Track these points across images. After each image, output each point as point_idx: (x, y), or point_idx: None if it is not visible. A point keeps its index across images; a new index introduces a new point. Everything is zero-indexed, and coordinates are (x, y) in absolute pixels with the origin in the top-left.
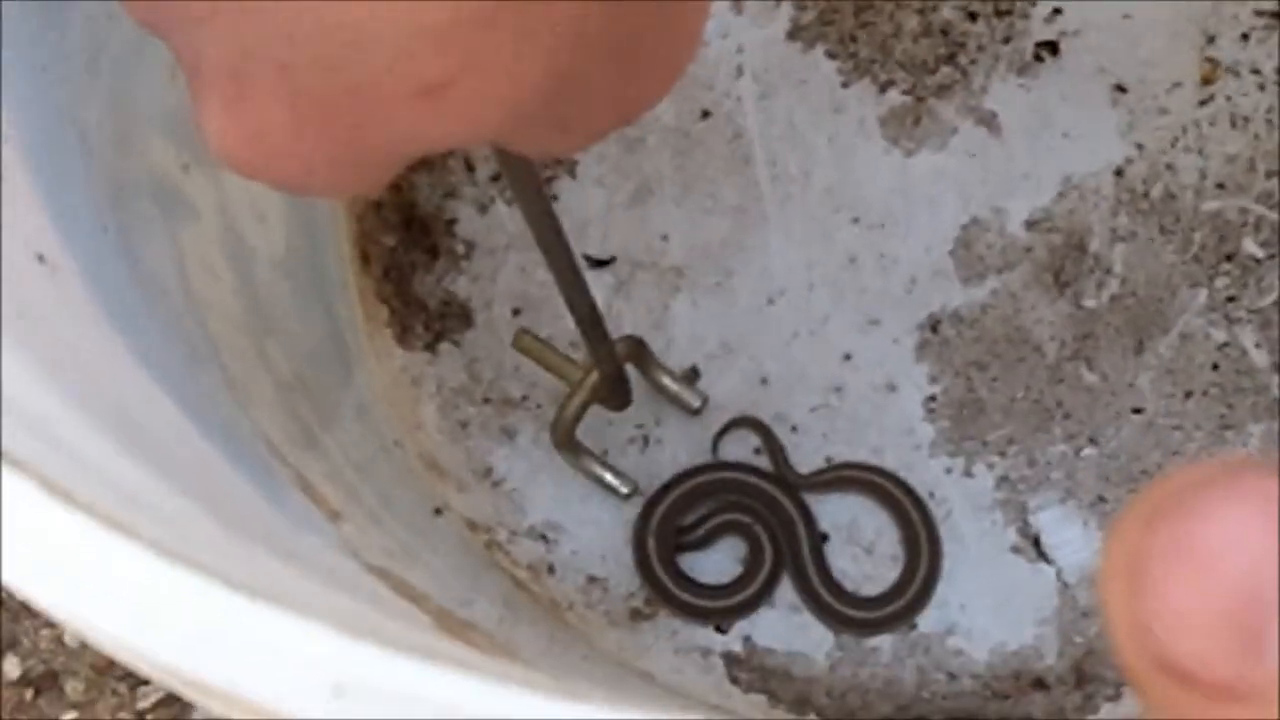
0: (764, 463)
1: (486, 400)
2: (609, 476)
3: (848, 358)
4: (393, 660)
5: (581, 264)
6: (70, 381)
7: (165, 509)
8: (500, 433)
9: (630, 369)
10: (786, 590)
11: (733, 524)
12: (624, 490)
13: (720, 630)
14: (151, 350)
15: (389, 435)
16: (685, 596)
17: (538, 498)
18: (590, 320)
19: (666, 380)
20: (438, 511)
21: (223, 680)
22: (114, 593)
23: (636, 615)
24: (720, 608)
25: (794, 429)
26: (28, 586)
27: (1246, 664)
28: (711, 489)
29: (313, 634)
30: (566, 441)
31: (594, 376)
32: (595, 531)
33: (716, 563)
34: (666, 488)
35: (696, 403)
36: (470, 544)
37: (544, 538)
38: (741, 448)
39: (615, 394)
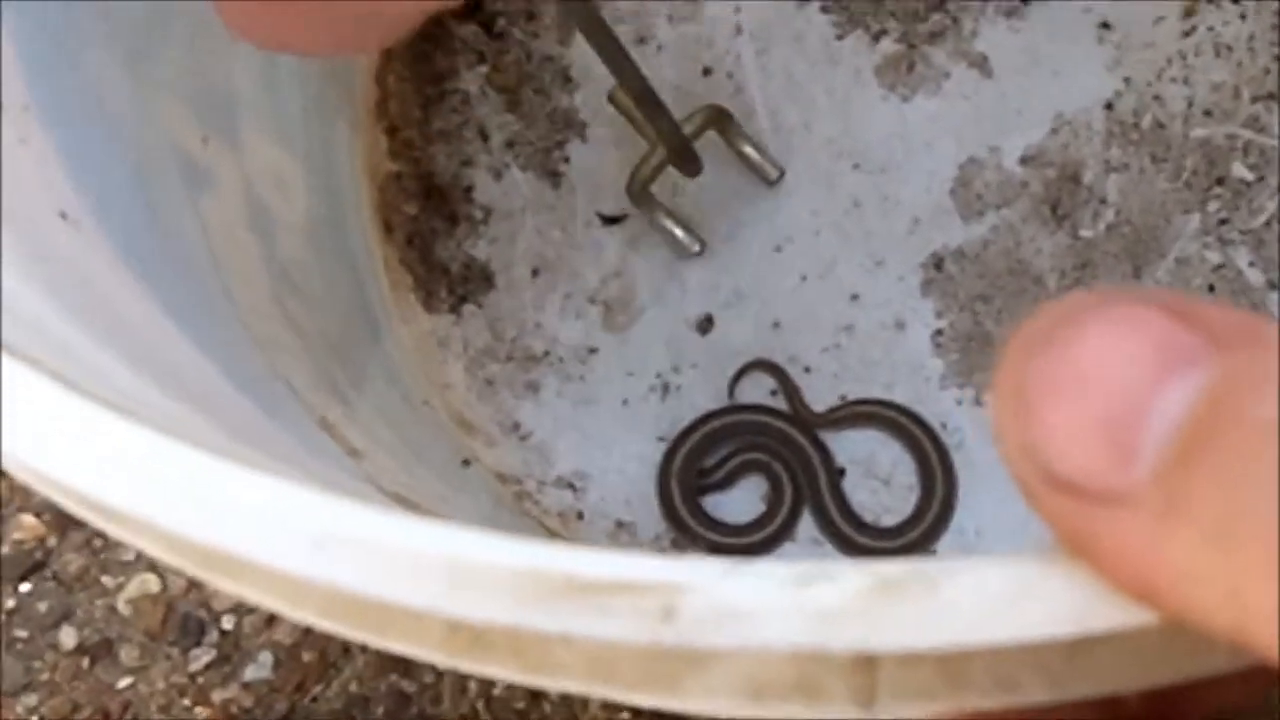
0: (780, 404)
1: (510, 358)
2: (679, 232)
3: (855, 298)
4: (378, 514)
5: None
6: (80, 308)
7: (169, 413)
8: (525, 388)
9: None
10: (808, 525)
11: (753, 463)
12: (694, 248)
13: None
14: (174, 300)
15: (418, 395)
16: (711, 536)
17: (564, 449)
18: (644, 97)
19: (749, 149)
20: (466, 463)
21: (220, 540)
22: (112, 461)
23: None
24: (745, 544)
25: (807, 370)
26: (35, 460)
27: (1122, 471)
28: (731, 431)
29: (298, 494)
30: (641, 195)
31: (659, 153)
32: (620, 479)
33: (739, 502)
34: (687, 432)
35: (774, 174)
36: (500, 495)
37: (571, 486)
38: (758, 390)
39: (685, 161)
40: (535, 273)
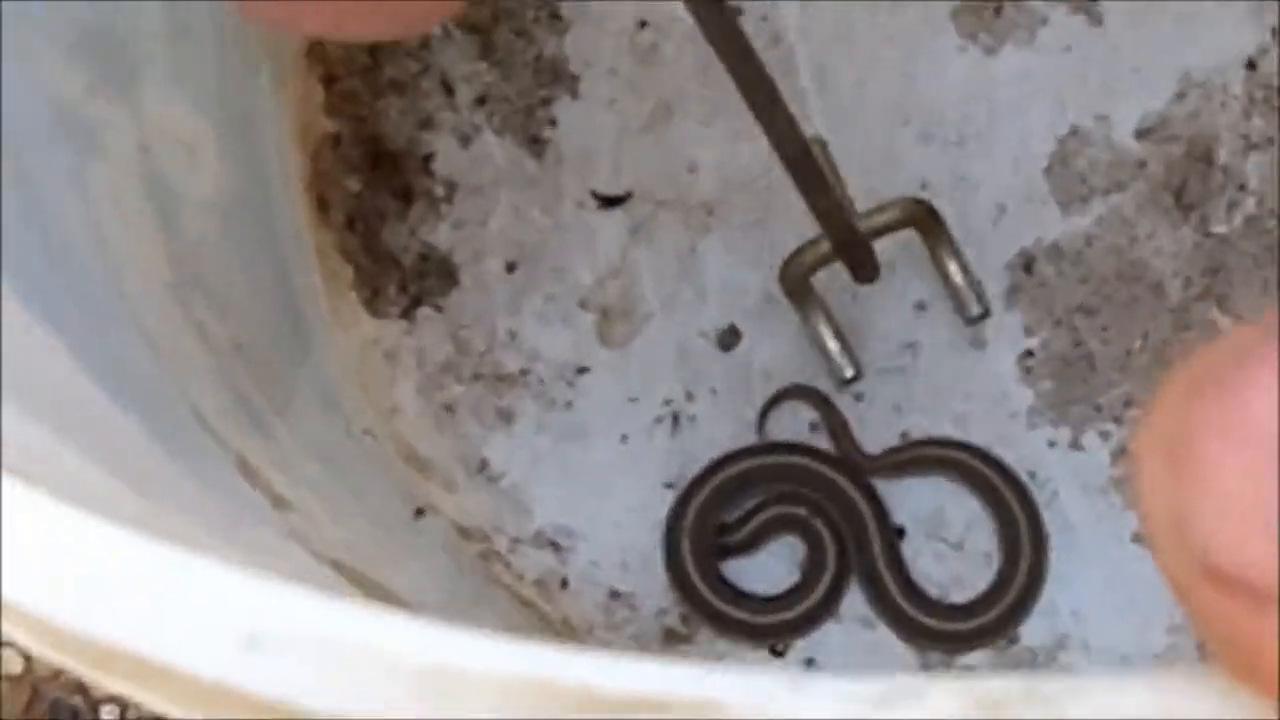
0: (823, 442)
1: (477, 377)
2: (835, 347)
3: (921, 308)
4: (315, 602)
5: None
6: None
7: (40, 451)
8: (496, 417)
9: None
10: (856, 600)
11: (786, 519)
12: (846, 373)
13: (776, 652)
14: (49, 299)
15: (359, 424)
16: (730, 611)
17: (544, 497)
18: (801, 164)
19: (954, 268)
20: (419, 513)
21: (118, 636)
22: None
23: (672, 637)
24: (774, 624)
25: (859, 398)
26: None
27: None
28: (759, 477)
29: (223, 577)
30: (797, 286)
31: (821, 246)
32: (617, 536)
33: (768, 568)
34: (703, 477)
35: (976, 310)
36: (462, 554)
37: (554, 545)
38: (794, 425)
39: (856, 261)
40: (511, 267)
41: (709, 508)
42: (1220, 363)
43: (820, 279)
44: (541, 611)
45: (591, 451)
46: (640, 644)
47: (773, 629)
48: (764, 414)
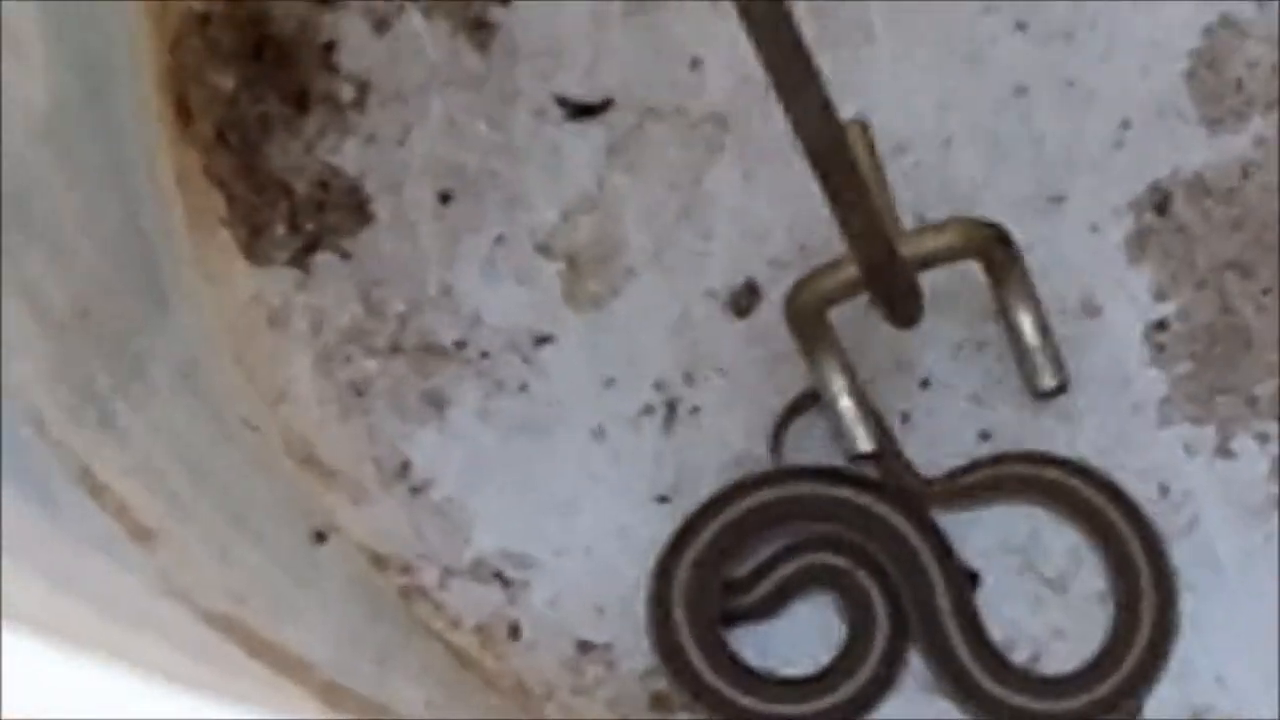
0: (865, 465)
1: (396, 349)
2: (849, 409)
3: (971, 347)
4: None
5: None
6: None
7: None
8: (422, 404)
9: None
10: (917, 670)
11: (818, 571)
12: (861, 446)
13: None
14: None
15: (233, 411)
16: (743, 700)
17: (488, 512)
18: (834, 165)
19: (1026, 322)
20: (319, 538)
21: None
22: None
23: (661, 704)
24: (806, 716)
25: (923, 384)
26: None
27: None
28: (778, 514)
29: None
30: (808, 320)
31: (852, 270)
32: (588, 566)
33: (795, 638)
34: (702, 516)
35: (1051, 384)
36: (377, 592)
37: (501, 579)
38: (824, 440)
39: (892, 296)
40: (445, 198)
41: (711, 558)
42: None
43: (841, 313)
44: (484, 670)
45: (554, 452)
46: (619, 714)
47: None
48: (781, 426)
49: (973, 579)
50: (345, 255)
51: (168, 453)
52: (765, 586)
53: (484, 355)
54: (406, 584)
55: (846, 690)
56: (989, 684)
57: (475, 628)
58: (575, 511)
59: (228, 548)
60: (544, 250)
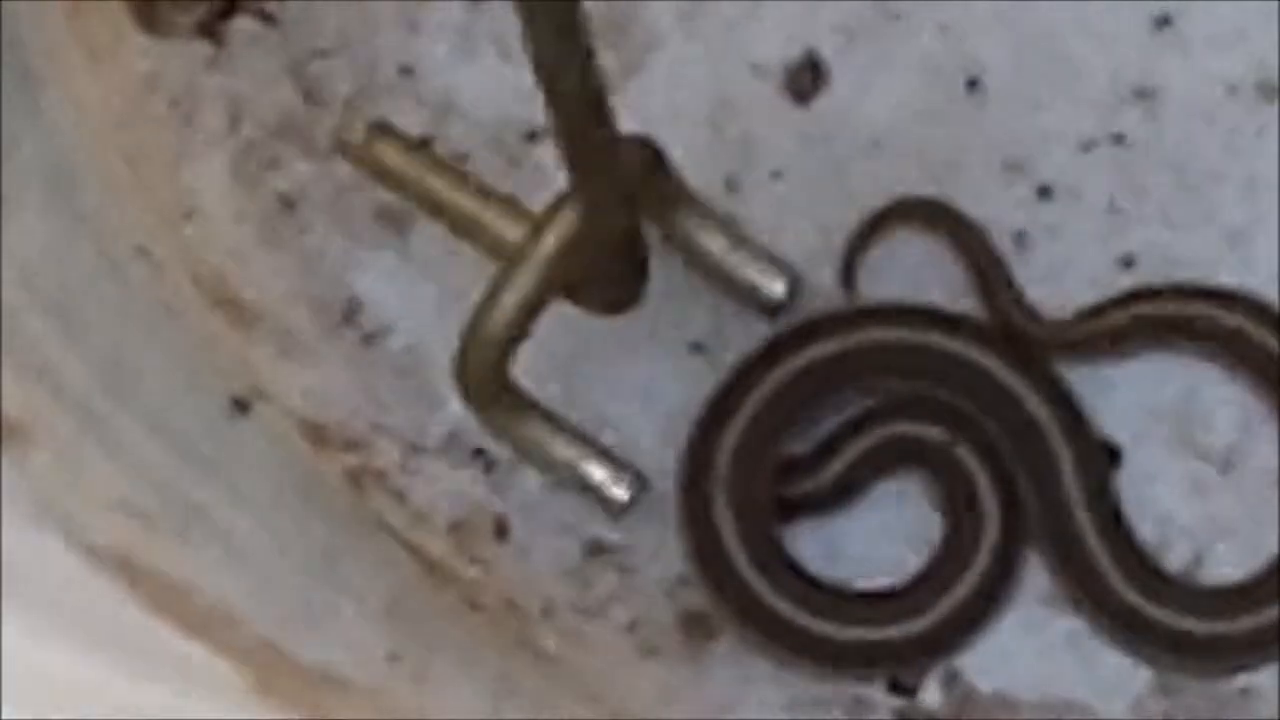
0: (964, 304)
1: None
2: (591, 469)
3: (1164, 23)
4: None
5: None
6: None
7: None
8: (376, 222)
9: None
10: (1037, 577)
11: (905, 446)
12: (620, 494)
13: (901, 688)
14: None
15: (124, 235)
16: (805, 621)
17: None
18: (582, 95)
19: (711, 240)
20: (240, 406)
21: None
22: None
23: (695, 628)
24: (889, 642)
25: (1044, 192)
26: None
27: None
28: (851, 369)
29: None
30: (490, 388)
31: (564, 227)
32: (598, 436)
33: (873, 536)
34: (750, 372)
35: (779, 289)
36: (315, 477)
37: (482, 457)
38: (908, 272)
39: (614, 272)
40: None
41: (763, 429)
42: None
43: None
44: (461, 583)
45: None
46: (639, 640)
47: (886, 650)
48: (855, 250)
49: (1112, 455)
50: (271, 20)
51: (30, 290)
52: (835, 467)
53: (457, 157)
54: (356, 467)
55: (944, 607)
56: (1133, 596)
57: (449, 526)
58: (581, 364)
59: (122, 438)
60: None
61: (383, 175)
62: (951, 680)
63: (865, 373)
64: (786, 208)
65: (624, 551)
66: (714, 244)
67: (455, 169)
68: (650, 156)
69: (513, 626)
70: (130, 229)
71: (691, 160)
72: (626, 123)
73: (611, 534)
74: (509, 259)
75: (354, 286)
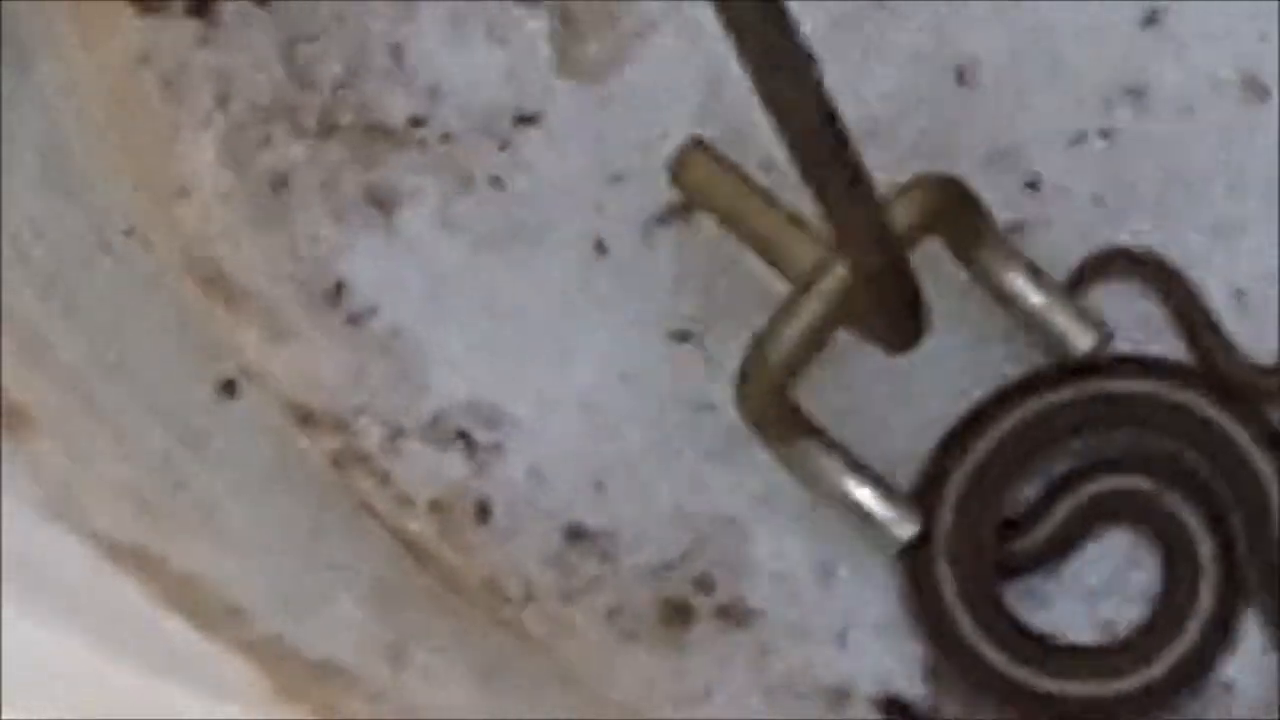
0: (1173, 349)
1: (332, 129)
2: (873, 500)
3: (1154, 20)
4: None
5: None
6: None
7: None
8: (366, 202)
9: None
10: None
11: (1117, 499)
12: (900, 533)
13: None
14: None
15: (114, 215)
16: (1034, 679)
17: (450, 347)
18: (828, 141)
19: (1020, 280)
20: (227, 388)
21: None
22: None
23: (677, 615)
24: (1112, 698)
25: (1031, 184)
26: None
27: None
28: (1062, 426)
29: None
30: (773, 409)
31: (841, 270)
32: (580, 423)
33: (1090, 589)
34: (968, 431)
35: (1087, 342)
36: (301, 458)
37: (466, 440)
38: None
39: (892, 313)
40: None
41: (985, 485)
42: None
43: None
44: (442, 563)
45: (539, 271)
46: (621, 627)
47: (1109, 705)
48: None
49: None
50: (262, 1)
51: (29, 275)
52: (1049, 524)
53: (446, 139)
54: (340, 448)
55: (1165, 661)
56: None
57: (431, 506)
58: (566, 351)
59: (114, 419)
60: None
61: (702, 193)
62: None
63: (1082, 426)
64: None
65: (605, 538)
66: (1024, 287)
67: (763, 189)
68: (955, 193)
69: (493, 609)
70: (121, 207)
71: (678, 142)
72: (617, 110)
73: (593, 520)
74: (802, 285)
75: (341, 268)
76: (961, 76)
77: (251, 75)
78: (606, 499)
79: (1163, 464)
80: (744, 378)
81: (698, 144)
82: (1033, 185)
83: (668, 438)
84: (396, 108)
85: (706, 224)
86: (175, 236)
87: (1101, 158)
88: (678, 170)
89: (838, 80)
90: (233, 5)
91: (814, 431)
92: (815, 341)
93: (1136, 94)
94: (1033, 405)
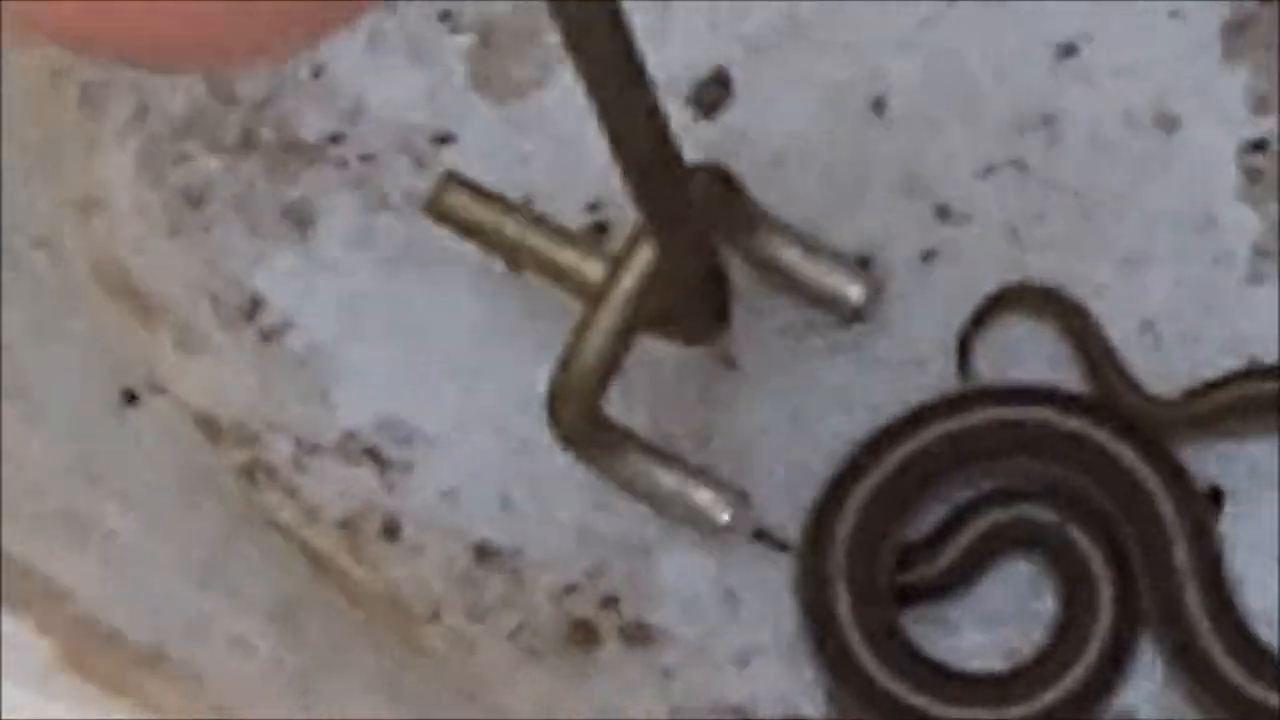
0: (1069, 379)
1: (248, 145)
2: (695, 490)
3: (1069, 52)
4: None
5: None
6: None
7: None
8: (281, 219)
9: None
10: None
11: (1018, 528)
12: (721, 515)
13: None
14: None
15: (25, 225)
16: (932, 708)
17: (363, 367)
18: (648, 135)
19: (805, 264)
20: (130, 398)
21: None
22: None
23: (581, 635)
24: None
25: (942, 213)
26: None
27: None
28: (964, 452)
29: None
30: (588, 426)
31: (642, 264)
32: (492, 441)
33: (989, 617)
34: (872, 450)
35: (856, 293)
36: (208, 472)
37: (375, 457)
38: (1010, 358)
39: (695, 303)
40: None
41: (881, 513)
42: None
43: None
44: (348, 580)
45: (453, 290)
46: (526, 645)
47: None
48: (968, 338)
49: (1215, 498)
50: None
51: None
52: (951, 553)
53: (364, 158)
54: (249, 461)
55: (1061, 689)
56: (1248, 683)
57: (340, 523)
58: (478, 372)
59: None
60: (448, 19)
61: (462, 227)
62: None
63: (976, 455)
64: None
65: (513, 557)
66: (791, 256)
67: (532, 214)
68: (722, 183)
69: (396, 623)
70: (35, 218)
71: (596, 173)
72: (533, 131)
73: (501, 539)
74: (591, 298)
75: (256, 283)
76: (876, 106)
77: (170, 90)
78: (514, 518)
79: (1062, 493)
80: (555, 397)
81: (450, 177)
82: (944, 214)
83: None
84: (315, 125)
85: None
86: (89, 249)
87: (1013, 188)
88: (434, 207)
89: (755, 110)
90: None
91: (628, 439)
92: (619, 348)
93: (1049, 124)
94: (932, 431)
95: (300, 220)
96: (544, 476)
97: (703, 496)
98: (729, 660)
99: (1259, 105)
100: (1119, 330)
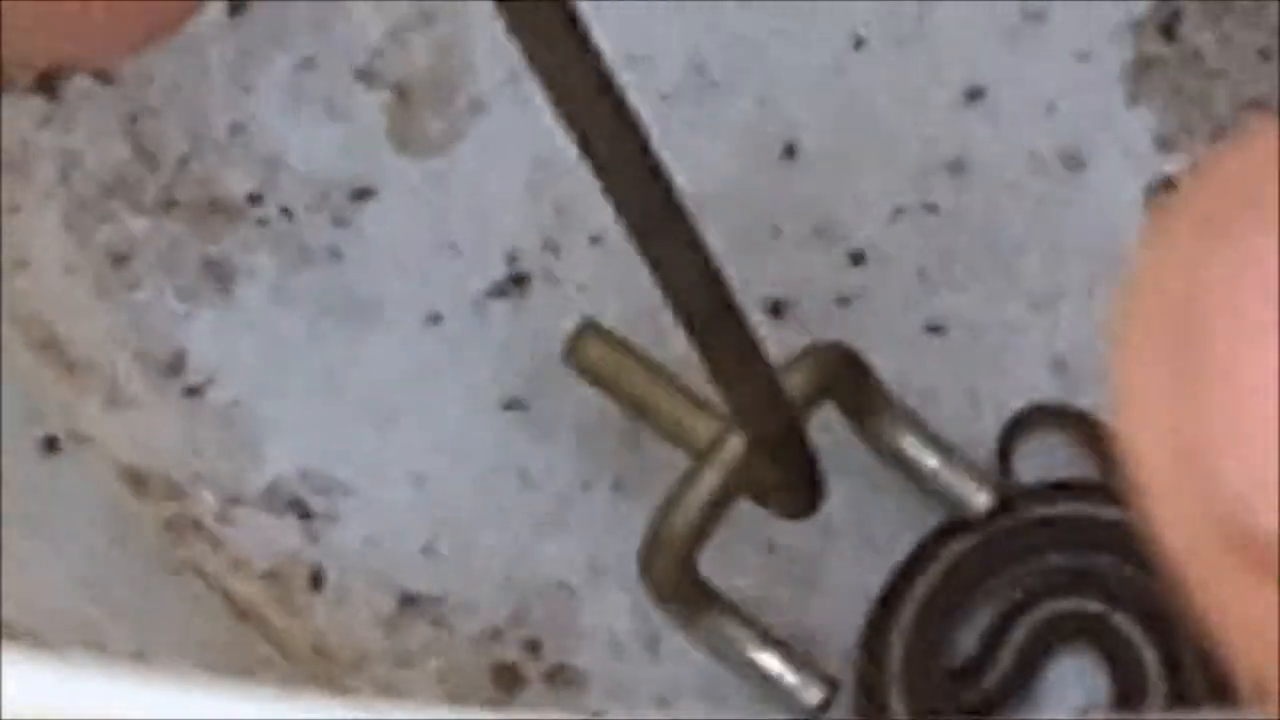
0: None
1: (171, 204)
2: (781, 668)
3: (977, 95)
4: None
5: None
6: None
7: None
8: (204, 277)
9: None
10: None
11: (1068, 621)
12: (811, 699)
13: None
14: None
15: None
16: None
17: (286, 418)
18: (716, 309)
19: (916, 445)
20: (51, 445)
21: None
22: None
23: (505, 678)
24: None
25: (855, 258)
26: None
27: None
28: (1009, 553)
29: None
30: (680, 584)
31: (737, 440)
32: (414, 492)
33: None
34: (916, 562)
35: (988, 498)
36: (134, 524)
37: (300, 508)
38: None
39: (789, 480)
40: (237, 6)
41: (934, 620)
42: (1240, 188)
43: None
44: (273, 629)
45: (374, 343)
46: (452, 690)
47: None
48: (1009, 436)
49: None
50: (106, 80)
51: None
52: (1003, 662)
53: (285, 213)
54: (175, 514)
55: None
56: None
57: (265, 574)
58: (400, 422)
59: None
60: (366, 77)
61: (596, 376)
62: None
63: (1024, 552)
64: (605, 271)
65: (438, 603)
66: (917, 451)
67: (656, 365)
68: (846, 361)
69: (322, 671)
70: None
71: (514, 225)
72: (451, 185)
73: (424, 586)
74: (697, 457)
75: (180, 340)
76: (788, 152)
77: (94, 151)
78: (437, 566)
79: (1104, 582)
80: (649, 551)
81: (591, 326)
82: (857, 259)
83: (497, 505)
84: (236, 183)
85: (537, 296)
86: (13, 307)
87: (924, 230)
88: (573, 352)
89: (667, 159)
90: (77, 83)
91: (720, 602)
92: (716, 512)
93: (957, 168)
94: (968, 540)
95: (222, 277)
96: (465, 524)
97: (790, 678)
98: (651, 701)
99: (1165, 144)
100: (1030, 369)
